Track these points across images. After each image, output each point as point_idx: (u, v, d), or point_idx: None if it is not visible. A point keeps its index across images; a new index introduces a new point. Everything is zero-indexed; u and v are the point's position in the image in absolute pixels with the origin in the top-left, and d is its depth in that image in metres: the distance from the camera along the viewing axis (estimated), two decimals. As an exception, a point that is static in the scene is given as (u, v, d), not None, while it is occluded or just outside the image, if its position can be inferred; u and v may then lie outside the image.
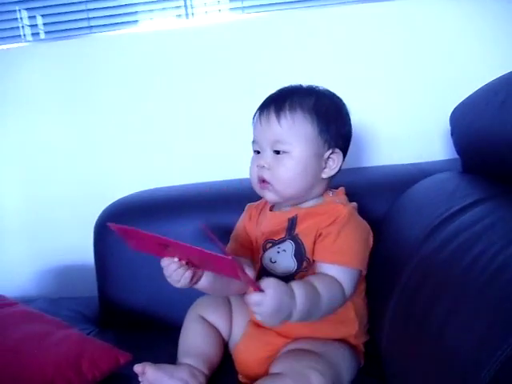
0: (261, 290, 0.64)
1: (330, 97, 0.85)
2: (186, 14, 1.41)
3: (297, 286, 0.68)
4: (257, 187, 0.84)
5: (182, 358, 0.85)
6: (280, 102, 0.81)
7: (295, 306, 0.67)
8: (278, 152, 0.80)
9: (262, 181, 0.81)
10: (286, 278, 0.79)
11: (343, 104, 0.86)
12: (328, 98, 0.84)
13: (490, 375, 0.46)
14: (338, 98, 0.86)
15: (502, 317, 0.49)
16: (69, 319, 1.07)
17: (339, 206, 0.80)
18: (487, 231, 0.62)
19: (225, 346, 0.90)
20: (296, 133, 0.79)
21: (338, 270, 0.76)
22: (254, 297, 0.64)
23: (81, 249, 1.33)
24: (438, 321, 0.59)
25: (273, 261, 0.82)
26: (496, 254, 0.56)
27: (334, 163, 0.82)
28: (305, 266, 0.80)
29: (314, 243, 0.79)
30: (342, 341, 0.82)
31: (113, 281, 1.17)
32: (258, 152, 0.83)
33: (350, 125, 0.86)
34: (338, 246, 0.76)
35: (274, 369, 0.75)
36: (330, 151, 0.81)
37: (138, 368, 0.78)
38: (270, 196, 0.82)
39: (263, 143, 0.81)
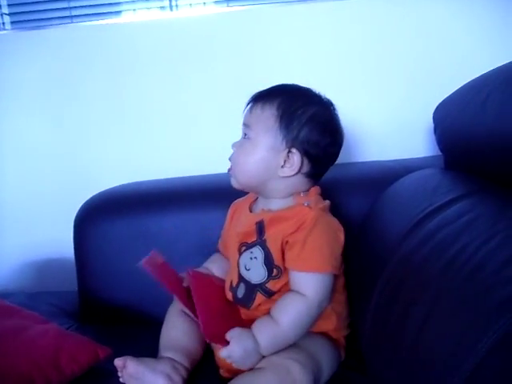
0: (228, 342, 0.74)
1: (313, 102, 0.85)
2: (171, 6, 1.39)
3: (257, 329, 0.76)
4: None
5: (164, 351, 0.84)
6: (261, 95, 0.85)
7: (260, 347, 0.74)
8: (246, 137, 0.85)
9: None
10: (260, 285, 0.81)
11: (328, 113, 0.86)
12: (307, 102, 0.84)
13: (466, 374, 0.47)
14: (326, 106, 0.86)
15: (479, 315, 0.49)
16: (47, 314, 1.05)
17: (305, 209, 0.80)
18: (468, 227, 0.63)
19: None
20: (259, 122, 0.83)
21: (309, 277, 0.77)
22: (223, 353, 0.74)
23: (60, 242, 1.31)
24: (418, 318, 0.59)
25: (247, 268, 0.83)
26: (477, 249, 0.57)
27: (294, 164, 0.82)
28: (275, 274, 0.80)
29: (282, 251, 0.79)
30: (323, 334, 0.83)
31: (93, 275, 1.15)
32: None
33: (327, 135, 0.84)
34: (306, 253, 0.77)
35: None
36: (287, 150, 0.81)
37: (118, 362, 0.77)
38: (231, 181, 0.87)
39: (242, 127, 0.87)
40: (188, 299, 0.84)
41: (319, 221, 0.79)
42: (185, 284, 0.88)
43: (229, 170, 0.87)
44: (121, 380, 0.78)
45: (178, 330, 0.87)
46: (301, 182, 0.84)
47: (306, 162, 0.83)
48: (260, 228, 0.82)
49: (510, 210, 0.63)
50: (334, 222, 0.83)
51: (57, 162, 1.38)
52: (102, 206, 1.18)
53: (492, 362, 0.46)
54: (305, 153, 0.82)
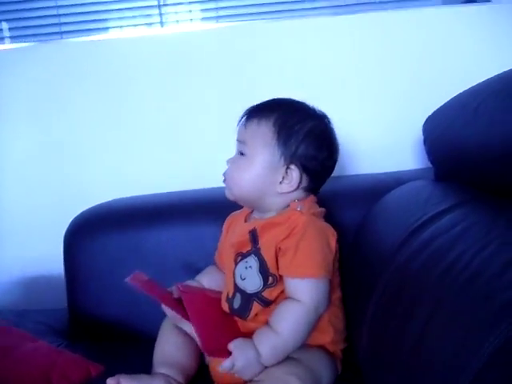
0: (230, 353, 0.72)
1: (310, 116, 0.85)
2: (161, 23, 1.40)
3: (257, 339, 0.74)
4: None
5: (158, 367, 0.82)
6: (255, 110, 0.84)
7: (262, 357, 0.73)
8: (241, 153, 0.84)
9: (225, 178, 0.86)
10: (256, 294, 0.80)
11: (324, 127, 0.86)
12: (304, 117, 0.84)
13: (467, 382, 0.46)
14: (323, 120, 0.87)
15: (477, 323, 0.49)
16: (35, 332, 1.02)
17: (296, 213, 0.80)
18: (464, 235, 0.63)
19: (201, 356, 0.89)
20: (256, 138, 0.82)
21: (304, 283, 0.77)
22: (226, 364, 0.72)
23: (49, 259, 1.29)
24: (416, 328, 0.59)
25: (242, 278, 0.82)
26: (473, 257, 0.57)
27: (292, 180, 0.82)
28: (271, 282, 0.79)
29: (276, 258, 0.79)
30: (320, 347, 0.82)
31: (83, 292, 1.13)
32: None
33: (325, 150, 0.84)
34: (299, 259, 0.76)
35: None
36: (286, 166, 0.81)
37: (111, 382, 0.75)
38: (227, 193, 0.86)
39: (236, 143, 0.86)
40: (182, 310, 0.83)
41: (310, 226, 0.78)
42: (175, 295, 0.86)
43: (224, 181, 0.86)
44: None
45: (171, 346, 0.86)
46: (299, 196, 0.84)
47: (304, 177, 0.83)
48: (253, 236, 0.81)
49: (504, 217, 0.64)
50: (326, 226, 0.82)
51: (46, 176, 1.36)
52: (93, 221, 1.16)
53: (494, 368, 0.45)
54: (303, 168, 0.82)
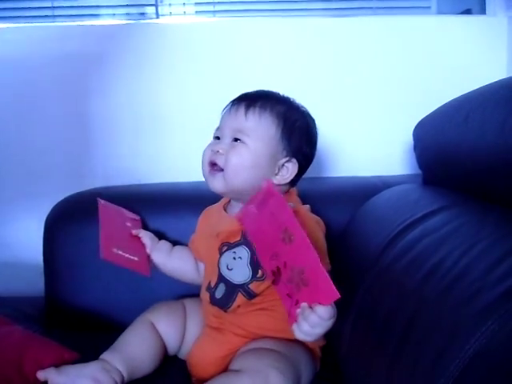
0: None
1: (303, 113, 0.87)
2: (157, 13, 1.39)
3: None
4: (206, 171, 0.83)
5: (104, 353, 0.80)
6: (253, 99, 0.83)
7: None
8: (236, 140, 0.81)
9: (213, 164, 0.81)
10: (242, 286, 0.79)
11: (314, 125, 0.88)
12: (300, 113, 0.86)
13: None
14: (311, 117, 0.88)
15: (461, 324, 0.50)
16: (11, 318, 0.99)
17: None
18: (452, 235, 0.64)
19: (163, 360, 0.87)
20: (259, 130, 0.81)
21: None
22: (329, 312, 0.60)
23: (27, 246, 1.27)
24: (399, 331, 0.59)
25: (229, 268, 0.81)
26: (461, 256, 0.58)
27: (288, 173, 0.83)
28: (260, 275, 0.78)
29: None
30: (300, 343, 0.81)
31: (61, 279, 1.10)
32: (218, 138, 0.84)
33: (313, 147, 0.88)
34: None
35: (232, 366, 0.73)
36: (287, 159, 0.82)
37: (40, 375, 0.73)
38: (217, 183, 0.81)
39: (226, 130, 0.83)
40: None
41: (310, 223, 0.79)
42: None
43: (214, 170, 0.81)
44: None
45: (134, 336, 0.85)
46: (285, 188, 0.85)
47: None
48: None
49: (492, 219, 0.65)
50: (319, 220, 0.85)
51: (26, 161, 1.33)
52: (75, 207, 1.14)
53: (476, 369, 0.46)
54: (299, 164, 0.83)
